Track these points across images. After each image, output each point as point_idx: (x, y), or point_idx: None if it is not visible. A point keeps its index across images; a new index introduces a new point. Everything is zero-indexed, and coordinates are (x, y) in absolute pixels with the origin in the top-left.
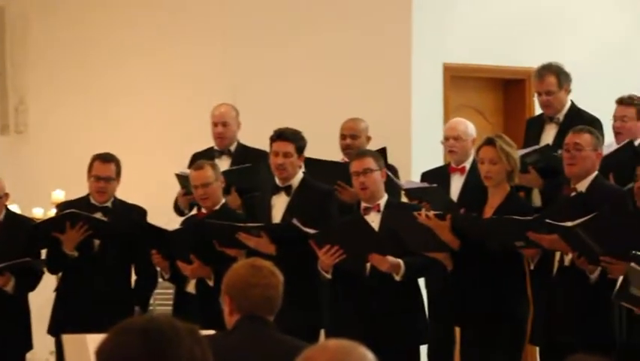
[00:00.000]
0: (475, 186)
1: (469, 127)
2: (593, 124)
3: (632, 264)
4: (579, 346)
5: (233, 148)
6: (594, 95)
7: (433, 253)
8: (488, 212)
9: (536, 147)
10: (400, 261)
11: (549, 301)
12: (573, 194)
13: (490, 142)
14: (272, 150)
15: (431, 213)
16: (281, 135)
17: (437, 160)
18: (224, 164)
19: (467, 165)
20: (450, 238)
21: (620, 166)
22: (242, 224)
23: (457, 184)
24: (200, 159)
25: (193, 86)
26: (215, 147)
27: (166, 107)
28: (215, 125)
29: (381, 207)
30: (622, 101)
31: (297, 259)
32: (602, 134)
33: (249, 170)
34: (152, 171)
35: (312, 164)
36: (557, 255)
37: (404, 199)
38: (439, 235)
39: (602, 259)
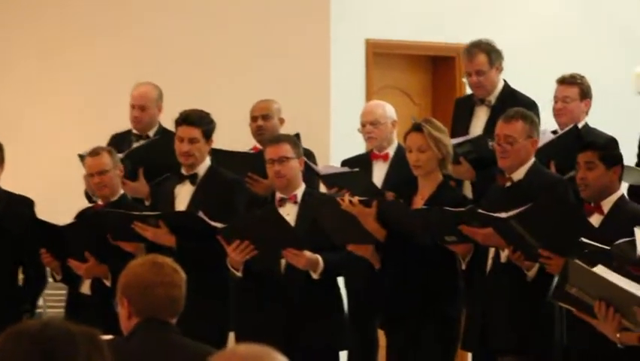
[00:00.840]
0: (400, 175)
1: (387, 109)
2: (527, 106)
3: (575, 260)
4: (516, 352)
5: (152, 133)
6: (531, 73)
7: (357, 246)
8: (418, 203)
9: (469, 137)
10: (319, 257)
11: (483, 303)
12: (508, 184)
13: (417, 128)
14: (177, 135)
15: (356, 198)
16: (186, 119)
17: (359, 146)
18: None
19: (391, 151)
20: (375, 227)
21: (563, 153)
22: (138, 213)
23: (379, 173)
24: (118, 141)
25: (115, 63)
26: (134, 131)
27: (82, 84)
28: (132, 107)
29: (298, 199)
30: (564, 81)
31: (202, 254)
32: (538, 117)
33: (157, 143)
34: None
35: (220, 155)
36: (492, 251)
37: (324, 189)
38: (364, 224)
39: (540, 253)
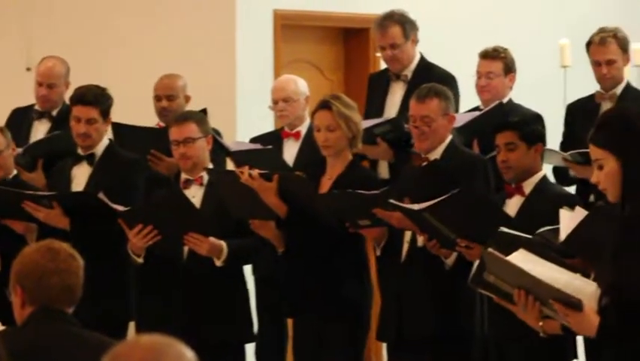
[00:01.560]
0: (312, 154)
1: (299, 84)
2: (445, 80)
3: (489, 249)
4: (433, 340)
5: (55, 112)
6: (450, 46)
7: (260, 225)
8: (326, 184)
9: (388, 117)
10: (223, 243)
11: (399, 291)
12: (425, 164)
13: (325, 106)
14: (72, 114)
15: (255, 172)
16: (82, 99)
17: (267, 123)
18: (43, 128)
19: (303, 129)
20: (275, 202)
21: (487, 131)
22: (31, 192)
23: (291, 151)
24: (19, 117)
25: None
26: (37, 107)
27: None
28: (38, 84)
29: (205, 181)
30: (486, 55)
31: (100, 238)
32: (457, 91)
33: (59, 138)
34: None
35: (122, 130)
36: (407, 235)
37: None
38: (264, 199)
39: (458, 242)
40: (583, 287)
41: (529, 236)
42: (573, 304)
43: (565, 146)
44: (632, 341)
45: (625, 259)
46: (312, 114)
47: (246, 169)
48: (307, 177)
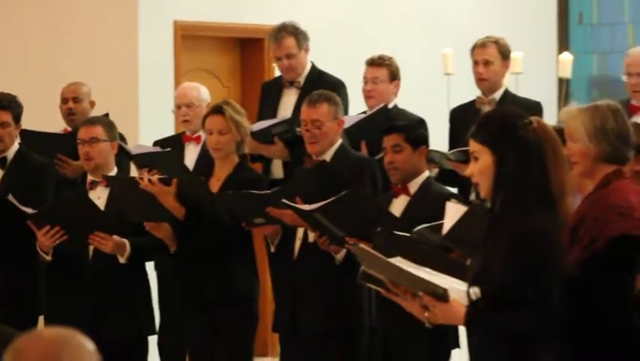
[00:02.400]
0: (211, 158)
1: (201, 91)
2: (335, 86)
3: (361, 245)
4: (325, 332)
5: None
6: (341, 55)
7: (154, 226)
8: (215, 185)
9: (285, 117)
10: (126, 241)
11: (292, 285)
12: (314, 164)
13: (218, 110)
14: None
15: (155, 177)
16: None
17: (168, 128)
18: None
19: (203, 134)
20: (174, 205)
21: (373, 133)
22: None
23: (192, 155)
24: None
25: None
26: None
27: None
28: None
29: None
30: (372, 62)
31: (10, 239)
32: (346, 96)
33: None
34: None
35: (29, 136)
36: (300, 232)
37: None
38: (163, 202)
39: (347, 240)
40: (457, 287)
41: (408, 235)
42: (439, 294)
43: (451, 149)
44: (495, 330)
45: (488, 253)
46: (204, 119)
47: (145, 175)
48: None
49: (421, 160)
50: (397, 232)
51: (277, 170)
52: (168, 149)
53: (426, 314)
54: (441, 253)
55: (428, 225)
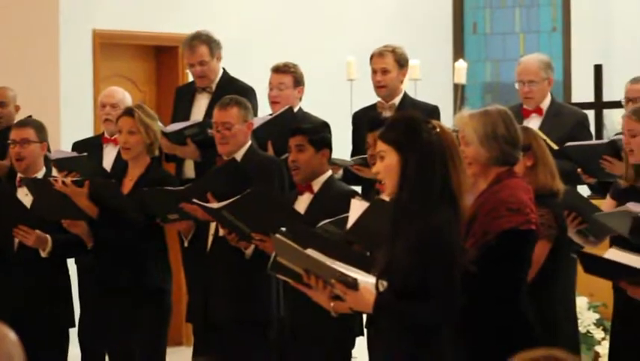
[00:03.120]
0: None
1: (126, 96)
2: (244, 92)
3: (277, 235)
4: (235, 323)
5: None
6: (250, 62)
7: (71, 223)
8: (128, 185)
9: (197, 120)
10: (48, 236)
11: (205, 278)
12: (223, 163)
13: (129, 112)
14: None
15: (68, 179)
16: None
17: (87, 131)
18: None
19: None
20: (87, 204)
21: (279, 133)
22: None
23: (110, 156)
24: None
25: None
26: None
27: None
28: None
29: None
30: (278, 69)
31: None
32: (255, 101)
33: None
34: None
35: None
36: (212, 227)
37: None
38: (77, 203)
39: (253, 235)
40: (362, 278)
41: (312, 229)
42: (349, 283)
43: (355, 150)
44: (401, 318)
45: (395, 245)
46: (117, 120)
47: (59, 178)
48: (113, 179)
49: (323, 162)
50: (302, 227)
51: (189, 170)
52: (85, 153)
53: (332, 304)
54: (345, 245)
55: (330, 220)
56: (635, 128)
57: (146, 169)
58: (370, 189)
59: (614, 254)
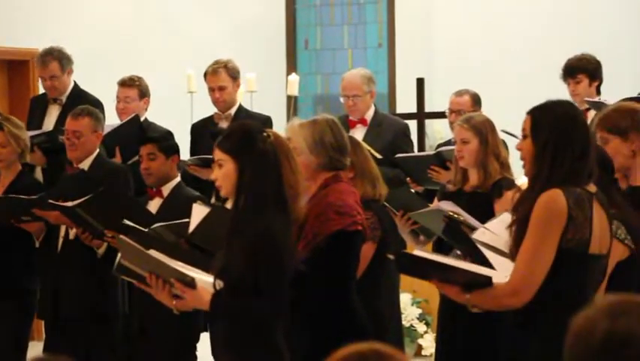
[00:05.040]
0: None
1: None
2: (93, 104)
3: (122, 236)
4: (83, 318)
5: None
6: (101, 75)
7: None
8: None
9: (45, 130)
10: None
11: (55, 277)
12: (76, 172)
13: None
14: None
15: None
16: None
17: None
18: None
19: None
20: None
21: (126, 140)
22: None
23: None
24: None
25: None
26: None
27: None
28: None
29: None
30: (124, 83)
31: None
32: (103, 114)
33: None
34: None
35: None
36: (62, 230)
37: None
38: None
39: (106, 233)
40: (202, 278)
41: (146, 230)
42: (187, 282)
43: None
44: (235, 315)
45: (230, 250)
46: None
47: None
48: None
49: (172, 167)
50: (144, 229)
51: (37, 175)
52: None
53: (174, 302)
54: (179, 246)
55: (165, 223)
56: (466, 135)
57: (16, 176)
58: (211, 189)
59: (425, 252)
